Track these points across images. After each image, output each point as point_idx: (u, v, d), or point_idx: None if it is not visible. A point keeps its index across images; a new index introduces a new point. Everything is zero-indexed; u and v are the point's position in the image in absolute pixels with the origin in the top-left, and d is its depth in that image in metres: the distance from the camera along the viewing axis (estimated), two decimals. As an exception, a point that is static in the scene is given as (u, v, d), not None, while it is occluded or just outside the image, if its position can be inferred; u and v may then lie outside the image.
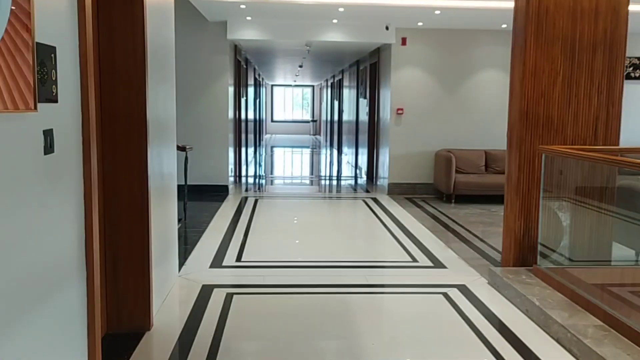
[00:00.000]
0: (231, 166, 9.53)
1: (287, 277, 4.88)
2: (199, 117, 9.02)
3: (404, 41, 9.04)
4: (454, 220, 7.33)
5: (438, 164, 8.94)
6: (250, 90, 14.30)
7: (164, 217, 4.22)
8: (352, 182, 11.33)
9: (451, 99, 9.21)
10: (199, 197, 8.79)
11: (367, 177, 11.18)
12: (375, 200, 8.80)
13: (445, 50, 9.13)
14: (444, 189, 8.67)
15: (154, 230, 3.79)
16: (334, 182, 11.49)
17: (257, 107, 16.58)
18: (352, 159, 13.72)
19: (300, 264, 5.28)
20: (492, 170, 8.95)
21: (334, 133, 18.69)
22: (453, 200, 8.57)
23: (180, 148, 6.61)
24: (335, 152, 17.42)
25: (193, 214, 7.34)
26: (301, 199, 8.94)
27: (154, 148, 3.81)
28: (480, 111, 9.25)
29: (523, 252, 4.85)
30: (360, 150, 12.54)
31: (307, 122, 26.38)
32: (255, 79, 16.32)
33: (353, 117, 13.55)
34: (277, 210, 8.05)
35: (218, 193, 9.04)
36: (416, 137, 9.22)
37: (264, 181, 11.15)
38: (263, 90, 22.09)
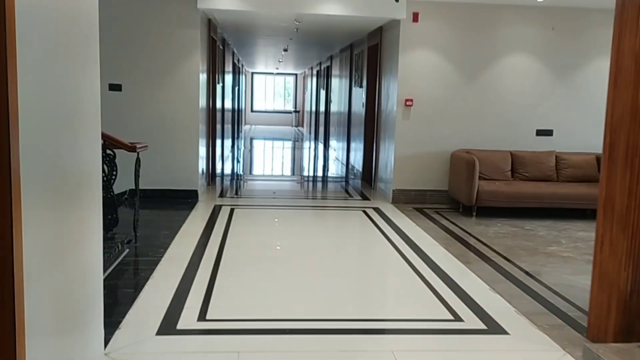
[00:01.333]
0: (202, 166, 7.73)
1: (273, 355, 3.15)
2: (161, 106, 7.20)
3: (415, 17, 7.31)
4: (484, 243, 5.66)
5: (455, 168, 7.26)
6: (229, 77, 12.46)
7: (70, 249, 2.46)
8: (344, 183, 9.61)
9: (471, 88, 7.52)
10: (161, 206, 6.99)
11: (363, 179, 9.48)
12: (378, 211, 7.10)
13: (465, 29, 7.43)
14: (463, 199, 6.99)
15: (40, 274, 2.04)
16: (323, 184, 9.76)
17: (235, 96, 14.73)
18: (341, 156, 11.99)
19: (292, 325, 3.54)
20: (520, 176, 7.30)
21: (320, 125, 16.94)
22: (474, 214, 6.91)
23: (125, 146, 4.81)
24: (320, 146, 15.68)
25: (148, 232, 5.56)
26: (287, 210, 7.19)
27: (38, 141, 2.05)
28: (506, 104, 7.58)
29: (630, 320, 3.19)
30: (353, 146, 10.82)
31: (289, 112, 24.56)
32: (234, 65, 14.46)
33: (344, 109, 11.80)
34: (258, 229, 6.27)
35: (185, 200, 7.25)
36: (428, 134, 7.52)
37: (242, 182, 9.35)
38: (243, 78, 20.21)
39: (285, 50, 12.54)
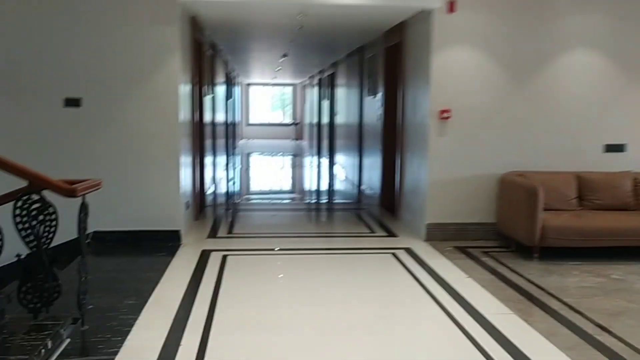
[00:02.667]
0: (186, 197, 6.13)
1: None
2: (131, 125, 5.61)
3: (451, 6, 5.76)
4: (571, 307, 4.05)
5: (507, 196, 5.68)
6: (221, 88, 10.89)
7: None
8: (358, 210, 8.01)
9: (523, 95, 5.96)
10: (133, 254, 5.39)
11: (382, 205, 7.89)
12: (411, 253, 5.50)
13: (514, 20, 5.88)
14: (521, 237, 5.40)
15: None
16: (334, 213, 8.15)
17: (229, 109, 13.17)
18: (352, 175, 10.40)
19: None
20: (590, 204, 5.72)
21: (323, 139, 15.37)
22: (536, 255, 5.31)
23: (58, 189, 3.23)
24: (325, 162, 14.09)
25: (106, 303, 3.95)
26: (294, 256, 5.56)
27: None
28: (566, 113, 6.01)
29: None
30: (366, 164, 9.24)
31: (288, 125, 22.99)
32: (227, 75, 12.92)
33: (354, 121, 10.23)
34: (258, 290, 4.59)
35: (165, 244, 5.64)
36: (469, 153, 5.94)
37: (237, 214, 7.71)
38: (237, 89, 18.66)
39: (285, 55, 10.99)
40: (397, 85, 7.38)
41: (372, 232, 6.51)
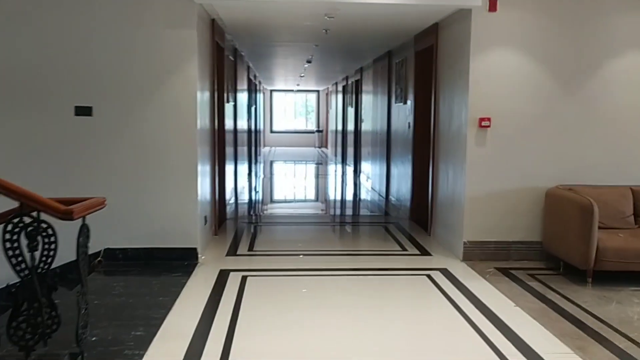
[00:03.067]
0: (205, 212, 5.72)
1: None
2: (145, 134, 5.21)
3: (493, 4, 5.25)
4: (640, 346, 3.51)
5: (555, 213, 5.13)
6: (243, 95, 10.52)
7: None
8: (386, 224, 7.51)
9: (571, 101, 5.41)
10: (145, 273, 4.98)
11: (412, 218, 7.39)
12: (448, 275, 4.99)
13: (561, 20, 5.34)
14: (573, 259, 4.84)
15: None
16: (361, 227, 7.65)
17: (252, 116, 12.80)
18: (378, 185, 9.91)
19: None
20: (648, 222, 5.14)
21: (347, 146, 14.90)
22: (590, 280, 4.75)
23: (53, 210, 2.82)
24: (349, 170, 13.62)
25: (110, 333, 3.53)
26: (320, 277, 5.08)
27: None
28: (620, 121, 5.44)
29: None
30: (394, 174, 8.74)
31: (312, 132, 22.58)
32: (250, 81, 12.56)
33: (381, 129, 9.74)
34: (280, 317, 4.13)
35: (180, 262, 5.22)
36: (512, 164, 5.41)
37: (258, 228, 7.26)
38: (260, 96, 18.33)
39: (309, 62, 10.56)
40: (430, 92, 6.88)
41: (403, 249, 6.01)
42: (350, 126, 13.96)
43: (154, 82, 5.18)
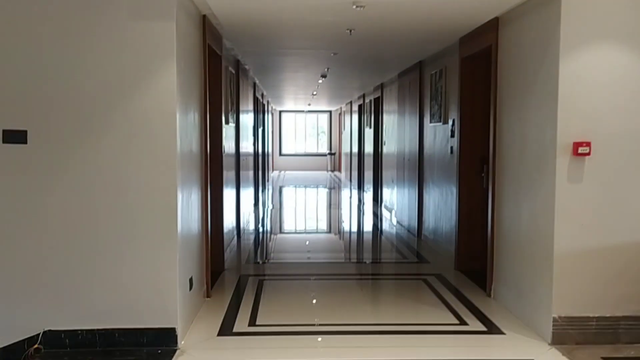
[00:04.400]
0: (187, 272, 4.13)
1: None
2: (100, 165, 3.65)
3: (592, -18, 3.69)
4: None
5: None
6: (247, 116, 9.03)
7: None
8: (422, 273, 5.86)
9: None
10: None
11: (460, 268, 5.77)
12: (540, 373, 3.34)
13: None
14: None
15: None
16: (394, 281, 5.94)
17: (258, 138, 11.27)
18: (406, 218, 8.29)
19: None
20: None
21: (364, 170, 13.32)
22: None
23: None
24: (366, 197, 12.00)
25: None
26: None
27: None
28: None
29: None
30: (428, 205, 7.14)
31: (324, 155, 21.03)
32: (256, 101, 11.07)
33: (409, 151, 8.17)
34: None
35: (150, 350, 3.63)
36: (623, 208, 3.79)
37: (264, 285, 5.58)
38: (269, 117, 16.85)
39: (324, 76, 9.04)
40: (483, 108, 5.33)
41: (461, 321, 4.35)
42: (369, 148, 12.39)
43: (114, 96, 3.63)
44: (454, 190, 5.97)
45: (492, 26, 4.83)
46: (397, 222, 9.03)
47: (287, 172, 20.28)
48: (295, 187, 16.48)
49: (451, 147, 6.13)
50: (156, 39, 3.64)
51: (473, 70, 5.67)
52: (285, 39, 5.99)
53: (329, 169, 20.69)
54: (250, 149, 9.74)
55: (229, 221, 6.48)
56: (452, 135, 6.09)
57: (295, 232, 8.95)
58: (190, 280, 4.15)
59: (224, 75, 5.95)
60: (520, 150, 4.32)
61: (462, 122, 5.78)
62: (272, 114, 19.31)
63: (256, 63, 7.90)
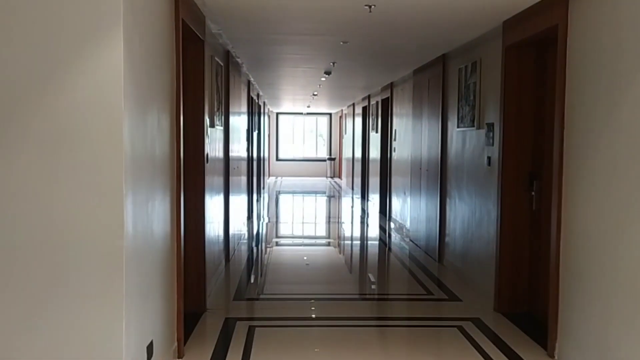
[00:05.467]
0: (144, 336, 2.90)
1: None
2: (9, 188, 2.42)
3: None
4: None
5: None
6: (240, 118, 7.85)
7: None
8: (454, 313, 4.67)
9: None
10: None
11: (503, 311, 4.56)
12: None
13: None
14: None
15: None
16: (423, 330, 4.69)
17: (252, 142, 10.07)
18: (423, 237, 7.08)
19: None
20: None
21: (368, 178, 12.13)
22: None
23: None
24: (371, 208, 10.79)
25: None
26: None
27: None
28: None
29: None
30: (454, 225, 5.94)
31: (323, 160, 19.81)
32: (251, 101, 9.88)
33: (428, 159, 6.97)
34: None
35: None
36: None
37: (254, 334, 4.33)
38: (265, 119, 15.65)
39: (328, 73, 7.83)
40: (534, 110, 4.15)
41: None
42: (374, 154, 11.19)
43: (36, 85, 2.41)
44: (493, 210, 4.77)
45: (550, 5, 3.64)
46: (411, 239, 7.82)
47: (284, 178, 19.05)
48: (293, 194, 15.27)
49: (488, 158, 4.92)
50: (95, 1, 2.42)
51: (521, 62, 4.49)
52: (286, 21, 4.77)
53: (328, 175, 19.47)
54: (244, 154, 8.54)
55: (213, 242, 5.27)
56: (490, 143, 4.89)
57: (293, 255, 7.72)
58: (150, 347, 2.93)
59: (208, 66, 4.73)
60: (612, 165, 3.11)
61: (505, 127, 4.58)
62: (269, 117, 18.11)
63: (249, 55, 6.68)
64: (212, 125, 5.07)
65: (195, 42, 4.31)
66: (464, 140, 5.64)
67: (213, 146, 5.21)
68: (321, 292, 5.41)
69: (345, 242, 8.56)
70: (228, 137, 6.26)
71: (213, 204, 5.18)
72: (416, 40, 5.59)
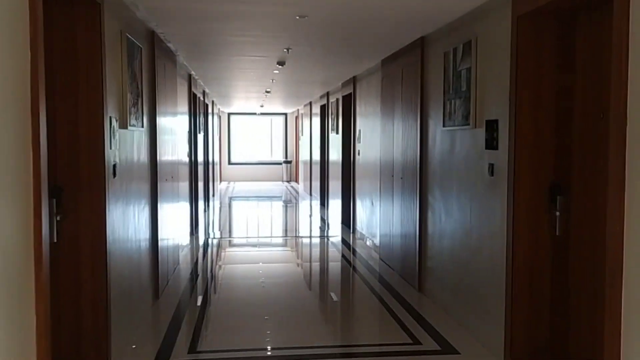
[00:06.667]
0: None
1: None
2: None
3: None
4: None
5: None
6: (175, 118, 6.49)
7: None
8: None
9: None
10: None
11: (517, 357, 3.38)
12: None
13: None
14: None
15: None
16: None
17: (195, 145, 8.68)
18: (397, 258, 5.87)
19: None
20: None
21: (327, 182, 10.90)
22: None
23: None
24: (331, 215, 9.55)
25: None
26: None
27: None
28: None
29: None
30: (437, 248, 4.75)
31: (279, 164, 18.45)
32: (194, 98, 8.50)
33: (403, 163, 5.77)
34: None
35: None
36: None
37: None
38: (213, 120, 14.21)
39: (281, 64, 6.53)
40: (558, 100, 2.97)
41: None
42: (335, 157, 9.96)
43: None
44: (500, 234, 3.60)
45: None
46: (381, 258, 6.61)
47: (237, 183, 17.58)
48: (247, 200, 13.90)
49: (490, 165, 3.74)
50: None
51: (540, 37, 3.32)
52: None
53: (284, 179, 18.13)
54: (184, 159, 7.17)
55: (130, 270, 3.91)
56: (493, 146, 3.71)
57: (243, 285, 6.36)
58: None
59: (112, 44, 3.36)
60: None
61: (518, 126, 3.39)
62: (220, 117, 16.64)
63: (183, 37, 5.31)
64: (124, 125, 3.70)
65: (86, 4, 2.94)
66: (453, 142, 4.45)
67: (127, 151, 3.84)
68: (278, 344, 4.09)
69: (304, 263, 7.24)
70: (155, 140, 4.89)
71: (127, 221, 3.81)
72: (391, 18, 4.36)
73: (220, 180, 17.07)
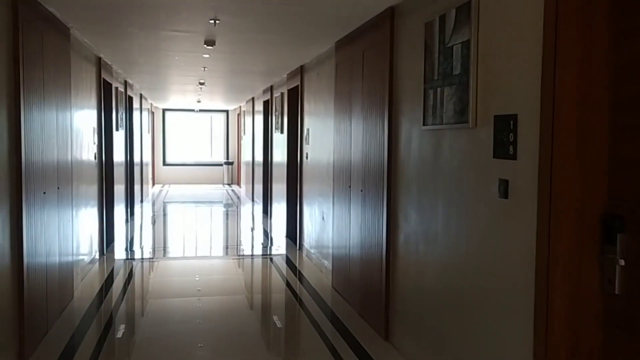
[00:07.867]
0: None
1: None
2: None
3: None
4: None
5: None
6: (68, 112, 4.96)
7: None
8: None
9: None
10: None
11: None
12: None
13: None
14: None
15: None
16: None
17: (109, 143, 7.14)
18: (355, 289, 4.61)
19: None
20: None
21: (271, 186, 9.56)
22: None
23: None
24: (274, 226, 8.19)
25: None
26: None
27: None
28: None
29: None
30: (407, 276, 3.49)
31: (219, 165, 16.87)
32: (110, 88, 7.00)
33: (365, 170, 4.49)
34: None
35: None
36: None
37: None
38: (143, 116, 12.59)
39: (210, 44, 5.12)
40: (620, 87, 1.72)
41: None
42: (280, 159, 8.62)
43: None
44: (521, 281, 2.37)
45: None
46: (334, 288, 5.32)
47: (173, 186, 15.88)
48: (183, 205, 12.33)
49: (503, 182, 2.51)
50: None
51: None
52: None
53: (225, 181, 16.59)
54: (89, 159, 5.66)
55: None
56: (507, 154, 2.47)
57: (159, 334, 4.90)
58: None
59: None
60: None
61: (555, 124, 2.17)
62: (153, 113, 14.95)
63: (96, 18, 3.82)
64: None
65: None
66: (439, 148, 3.20)
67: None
68: None
69: (245, 295, 5.82)
70: (20, 138, 3.40)
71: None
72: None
73: (154, 183, 15.37)
